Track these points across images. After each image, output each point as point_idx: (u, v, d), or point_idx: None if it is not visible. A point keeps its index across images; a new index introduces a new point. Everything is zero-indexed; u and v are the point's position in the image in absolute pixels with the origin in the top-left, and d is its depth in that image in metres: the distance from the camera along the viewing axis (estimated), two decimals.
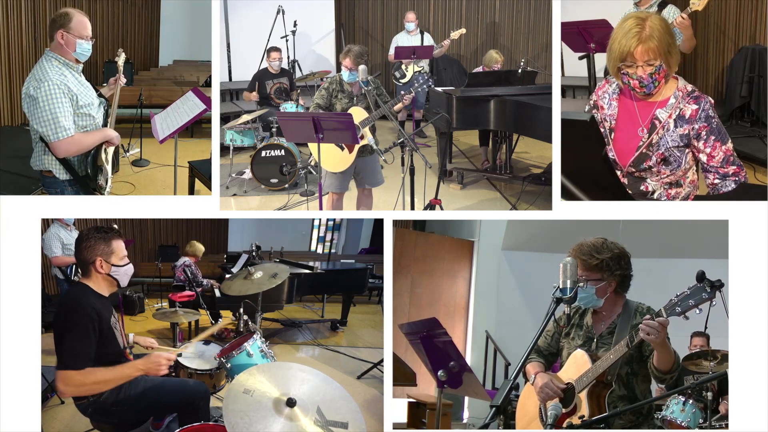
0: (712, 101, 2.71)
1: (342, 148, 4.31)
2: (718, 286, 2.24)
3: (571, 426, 2.50)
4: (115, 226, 3.08)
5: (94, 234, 2.84)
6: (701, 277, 2.25)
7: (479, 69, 6.55)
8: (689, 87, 2.73)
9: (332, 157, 4.34)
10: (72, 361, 2.67)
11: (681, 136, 2.70)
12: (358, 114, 4.27)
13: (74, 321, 2.69)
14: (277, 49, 6.44)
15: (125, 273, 2.90)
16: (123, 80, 3.60)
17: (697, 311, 2.29)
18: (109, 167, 3.40)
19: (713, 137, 2.69)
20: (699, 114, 2.67)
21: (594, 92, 2.97)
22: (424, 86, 4.36)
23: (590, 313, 2.73)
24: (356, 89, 4.39)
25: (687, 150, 2.74)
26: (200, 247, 5.95)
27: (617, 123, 2.82)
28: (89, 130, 3.31)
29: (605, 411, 2.50)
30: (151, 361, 2.82)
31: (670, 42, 2.62)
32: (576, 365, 2.63)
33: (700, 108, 2.67)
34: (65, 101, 3.16)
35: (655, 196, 2.83)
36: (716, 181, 2.75)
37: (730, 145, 2.72)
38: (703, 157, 2.73)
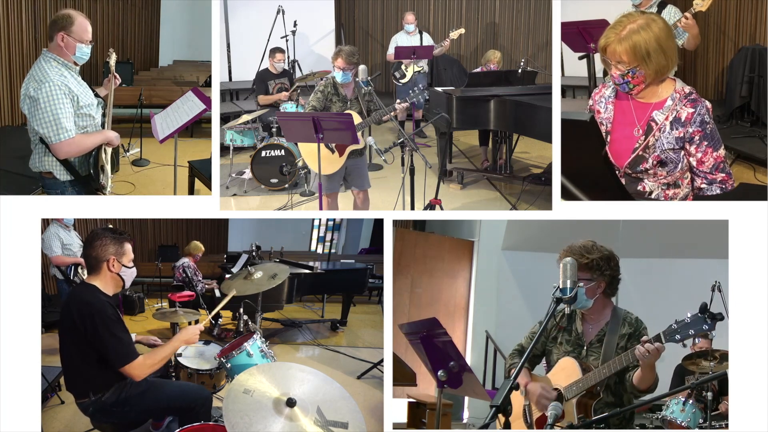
0: (709, 106, 2.68)
1: (333, 151, 4.29)
2: (718, 318, 2.29)
3: (570, 426, 2.51)
4: (110, 226, 3.11)
5: (108, 234, 2.94)
6: (704, 308, 2.29)
7: (478, 70, 6.55)
8: (687, 89, 2.70)
9: (322, 160, 4.29)
10: (128, 355, 2.81)
11: (676, 138, 2.68)
12: None
13: (105, 322, 2.78)
14: (281, 50, 6.42)
15: (131, 275, 3.00)
16: (117, 80, 3.58)
17: (697, 341, 2.35)
18: (108, 167, 3.40)
19: (706, 143, 2.67)
20: (694, 117, 2.64)
21: (591, 97, 2.96)
22: (419, 96, 4.35)
23: (579, 318, 2.74)
24: (350, 92, 4.36)
25: (683, 152, 2.73)
26: (198, 246, 5.93)
27: (613, 125, 2.81)
28: (89, 131, 3.31)
29: (591, 418, 2.55)
30: (188, 332, 3.03)
31: (652, 48, 2.56)
32: (565, 373, 2.66)
33: (696, 112, 2.64)
34: (66, 102, 3.15)
35: (653, 196, 2.82)
36: (703, 185, 2.74)
37: (722, 152, 2.71)
38: (693, 161, 2.72)
